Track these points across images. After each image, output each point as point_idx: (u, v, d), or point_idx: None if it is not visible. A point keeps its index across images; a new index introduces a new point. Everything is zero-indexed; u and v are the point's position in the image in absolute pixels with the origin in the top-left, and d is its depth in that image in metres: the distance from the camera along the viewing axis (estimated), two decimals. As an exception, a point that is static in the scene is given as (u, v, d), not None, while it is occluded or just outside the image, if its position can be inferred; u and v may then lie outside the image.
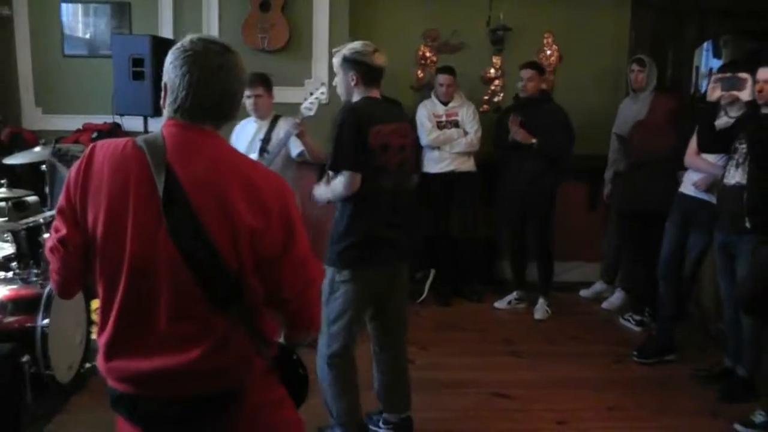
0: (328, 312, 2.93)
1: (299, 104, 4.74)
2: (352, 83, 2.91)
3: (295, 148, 3.91)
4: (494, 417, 3.49)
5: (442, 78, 5.09)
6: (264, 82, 3.97)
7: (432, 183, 5.11)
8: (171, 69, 1.56)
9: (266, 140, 3.94)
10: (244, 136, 4.02)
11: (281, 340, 1.74)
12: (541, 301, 5.02)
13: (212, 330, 1.54)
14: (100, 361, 1.61)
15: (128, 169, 1.52)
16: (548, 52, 5.55)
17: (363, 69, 2.89)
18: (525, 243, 5.12)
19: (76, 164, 1.59)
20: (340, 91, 3.00)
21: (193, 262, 1.49)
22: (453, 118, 5.09)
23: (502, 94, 5.61)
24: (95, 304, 4.05)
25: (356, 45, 2.94)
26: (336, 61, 2.96)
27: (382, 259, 2.97)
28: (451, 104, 5.12)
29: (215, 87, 1.56)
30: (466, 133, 5.07)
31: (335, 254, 2.92)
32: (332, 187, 2.90)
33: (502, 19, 5.45)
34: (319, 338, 3.00)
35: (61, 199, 1.60)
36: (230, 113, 1.62)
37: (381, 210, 2.92)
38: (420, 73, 5.55)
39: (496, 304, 5.19)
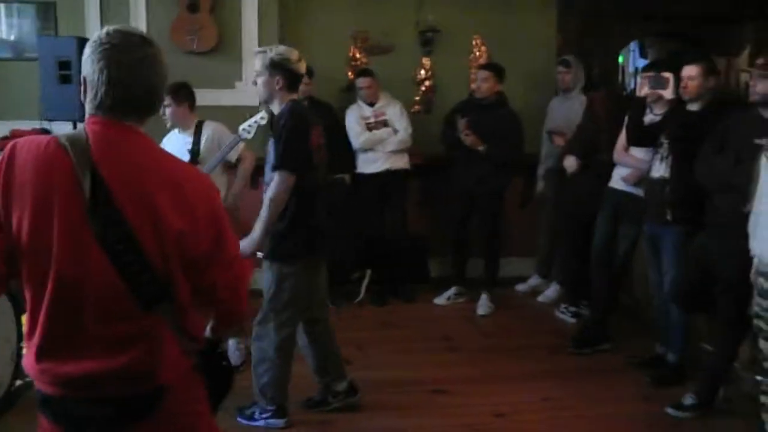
0: (275, 303, 3.16)
1: (230, 107, 4.75)
2: (277, 87, 3.02)
3: (233, 156, 3.91)
4: (433, 413, 3.52)
5: (362, 81, 5.11)
6: (172, 93, 3.87)
7: (366, 184, 5.14)
8: (89, 63, 1.51)
9: (195, 151, 3.90)
10: (170, 147, 3.92)
11: (206, 334, 1.75)
12: (484, 296, 5.09)
13: (140, 331, 1.53)
14: (28, 363, 1.58)
15: (52, 169, 1.48)
16: (477, 54, 5.64)
17: (288, 75, 3.02)
18: (467, 239, 5.20)
19: None
20: (261, 91, 3.09)
21: (119, 264, 1.47)
22: (381, 118, 5.10)
23: (435, 95, 5.68)
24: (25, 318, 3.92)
25: (282, 50, 3.05)
26: (260, 62, 3.03)
27: (322, 248, 3.29)
28: (377, 105, 5.13)
29: (136, 82, 1.51)
30: (396, 131, 5.10)
31: (283, 249, 3.10)
32: (268, 200, 3.03)
33: (431, 20, 5.52)
34: (258, 328, 3.23)
35: None
36: (152, 108, 1.60)
37: (318, 204, 3.17)
38: (350, 75, 5.54)
39: (436, 300, 5.25)
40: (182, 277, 1.55)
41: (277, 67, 2.99)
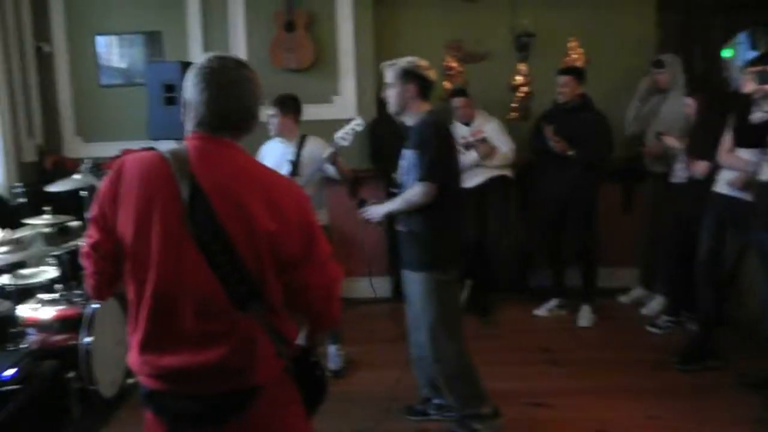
0: (441, 312, 3.11)
1: (328, 121, 4.86)
2: (410, 95, 3.02)
3: (330, 169, 3.98)
4: (532, 427, 3.45)
5: (457, 101, 5.12)
6: (279, 103, 4.02)
7: (467, 195, 5.12)
8: (190, 86, 1.68)
9: (295, 162, 3.98)
10: (271, 155, 4.07)
11: (300, 341, 1.81)
12: (585, 307, 4.96)
13: (234, 330, 1.62)
14: (131, 358, 1.71)
15: (154, 178, 1.63)
16: (574, 56, 5.52)
17: (421, 82, 3.03)
18: (562, 249, 5.08)
19: (107, 176, 1.70)
20: (393, 103, 3.09)
21: (214, 263, 1.58)
22: (480, 136, 5.05)
23: (532, 101, 5.60)
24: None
25: (412, 58, 3.06)
26: (391, 74, 3.05)
27: (461, 255, 3.28)
28: (474, 124, 5.12)
29: (230, 100, 1.67)
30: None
31: (437, 258, 3.09)
32: (406, 198, 3.05)
33: (525, 25, 5.46)
34: (432, 348, 3.17)
35: (93, 208, 1.71)
36: (246, 126, 1.72)
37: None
38: (448, 85, 5.57)
39: (536, 312, 5.16)
40: (274, 279, 1.64)
41: (409, 74, 3.00)
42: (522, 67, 5.57)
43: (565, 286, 5.17)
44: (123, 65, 5.69)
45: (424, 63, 3.05)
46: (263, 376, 1.67)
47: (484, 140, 5.04)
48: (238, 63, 1.70)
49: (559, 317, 5.08)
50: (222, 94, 1.65)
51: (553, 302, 5.17)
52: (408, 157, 3.09)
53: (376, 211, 3.18)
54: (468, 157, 4.93)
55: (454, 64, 5.59)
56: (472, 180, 5.05)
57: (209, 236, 1.57)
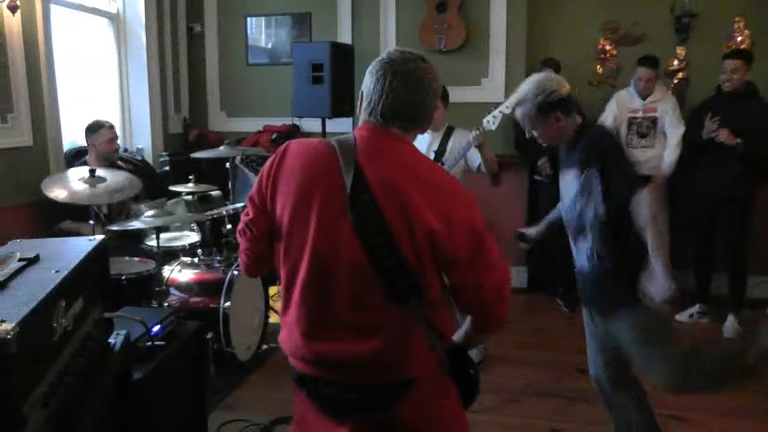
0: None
1: (476, 103, 4.76)
2: (556, 127, 2.48)
3: (475, 160, 3.85)
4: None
5: (641, 72, 4.75)
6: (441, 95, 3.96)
7: None
8: (369, 77, 1.66)
9: (440, 152, 3.88)
10: (418, 147, 4.00)
11: (456, 338, 1.76)
12: (731, 318, 4.56)
13: (390, 322, 1.60)
14: (283, 339, 1.72)
15: (318, 165, 1.62)
16: (739, 39, 5.08)
17: (561, 106, 2.47)
18: (711, 252, 4.70)
19: (271, 158, 1.71)
20: (545, 140, 2.58)
21: (375, 256, 1.55)
22: (651, 114, 4.75)
23: (688, 88, 5.22)
24: (274, 290, 4.29)
25: (539, 84, 2.50)
26: (526, 111, 2.51)
27: None
28: (649, 99, 4.79)
29: (405, 90, 1.62)
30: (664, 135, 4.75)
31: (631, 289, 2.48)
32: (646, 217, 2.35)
33: (687, 4, 5.09)
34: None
35: (253, 188, 1.74)
36: (419, 119, 1.69)
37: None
38: (599, 68, 5.33)
39: (677, 317, 4.80)
40: (434, 275, 1.60)
41: (544, 108, 2.45)
42: (680, 50, 5.20)
43: (710, 293, 4.77)
44: (269, 45, 5.83)
45: (553, 83, 2.49)
46: (417, 370, 1.64)
47: (654, 121, 4.74)
48: (418, 56, 1.66)
49: (701, 325, 4.70)
50: (396, 83, 1.61)
51: (695, 308, 4.78)
52: (572, 181, 2.53)
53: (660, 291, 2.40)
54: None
55: (608, 47, 5.33)
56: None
57: (370, 228, 1.54)
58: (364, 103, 1.67)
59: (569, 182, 2.55)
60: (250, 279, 3.76)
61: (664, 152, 4.76)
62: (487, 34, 5.30)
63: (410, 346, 1.61)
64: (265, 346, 3.92)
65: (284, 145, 1.71)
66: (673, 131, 4.73)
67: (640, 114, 4.78)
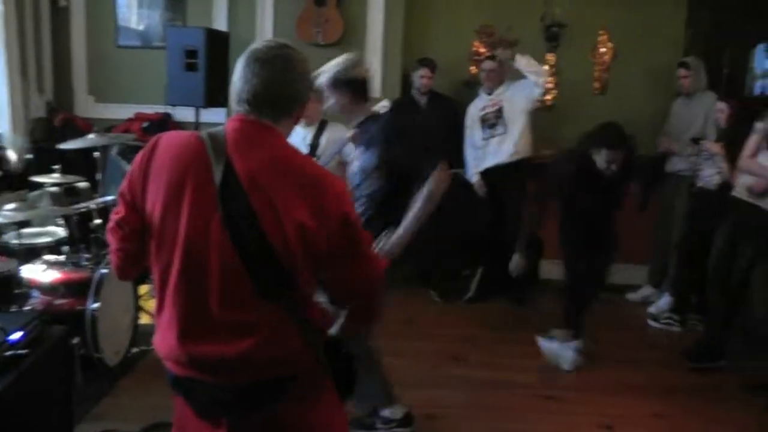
0: None
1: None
2: (343, 102, 2.94)
3: (351, 154, 3.88)
4: (541, 419, 3.44)
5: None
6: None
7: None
8: (237, 68, 1.64)
9: (314, 145, 3.89)
10: (293, 141, 3.98)
11: (333, 331, 1.77)
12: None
13: (264, 320, 1.57)
14: (157, 342, 1.66)
15: (189, 159, 1.58)
16: (602, 50, 5.44)
17: (354, 87, 2.92)
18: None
19: (141, 152, 1.66)
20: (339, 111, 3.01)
21: (244, 251, 1.52)
22: (496, 107, 4.95)
23: (555, 92, 5.52)
24: (144, 289, 4.14)
25: (344, 61, 2.92)
26: (324, 82, 2.91)
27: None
28: (496, 92, 5.00)
29: (269, 73, 1.60)
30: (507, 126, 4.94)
31: None
32: (427, 194, 2.80)
33: (557, 14, 5.37)
34: None
35: (123, 184, 1.67)
36: (288, 106, 1.66)
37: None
38: (473, 69, 5.49)
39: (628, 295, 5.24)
40: (307, 269, 1.58)
41: (339, 83, 2.90)
42: (550, 57, 5.48)
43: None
44: (141, 27, 5.58)
45: (355, 67, 2.92)
46: (294, 366, 1.63)
47: (500, 111, 4.95)
48: (284, 44, 1.66)
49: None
50: (259, 69, 1.60)
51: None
52: (359, 156, 2.99)
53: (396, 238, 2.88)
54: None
55: (482, 50, 5.49)
56: (483, 162, 5.00)
57: (240, 223, 1.52)
58: (233, 94, 1.65)
59: (357, 157, 3.00)
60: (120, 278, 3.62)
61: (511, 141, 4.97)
62: (365, 30, 5.33)
63: (285, 342, 1.59)
64: (135, 350, 3.76)
65: (154, 139, 1.66)
66: (515, 132, 4.95)
67: (487, 110, 4.98)
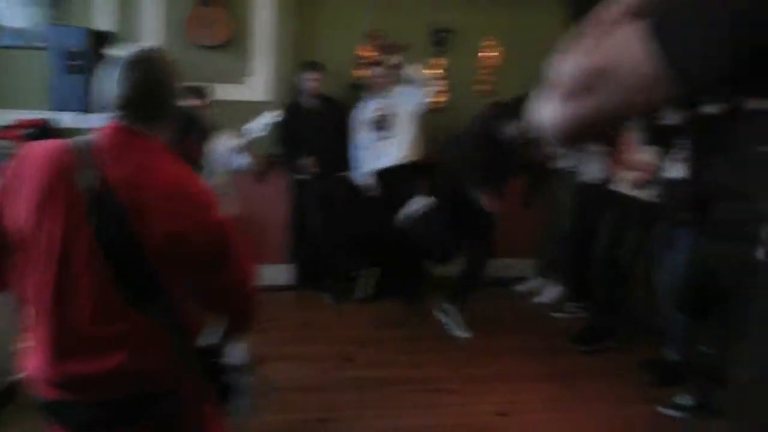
0: None
1: (240, 102, 4.72)
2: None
3: (239, 162, 3.85)
4: (435, 412, 3.51)
5: (376, 69, 5.07)
6: (197, 92, 3.88)
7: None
8: (107, 74, 1.63)
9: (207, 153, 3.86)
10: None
11: (210, 341, 1.76)
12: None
13: (136, 332, 1.55)
14: (27, 365, 1.61)
15: (56, 169, 1.54)
16: (490, 54, 5.61)
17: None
18: None
19: (7, 165, 1.60)
20: None
21: (114, 260, 1.50)
22: (386, 111, 5.02)
23: (446, 95, 5.63)
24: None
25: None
26: None
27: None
28: (386, 96, 5.05)
29: (137, 80, 1.60)
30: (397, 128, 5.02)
31: None
32: None
33: (444, 20, 5.51)
34: None
35: None
36: (158, 112, 1.64)
37: None
38: (362, 72, 5.49)
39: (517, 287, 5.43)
40: (178, 278, 1.57)
41: None
42: (438, 61, 5.61)
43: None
44: (22, 25, 5.29)
45: None
46: (169, 377, 1.62)
47: (387, 117, 5.02)
48: (151, 49, 1.66)
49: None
50: (127, 73, 1.59)
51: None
52: None
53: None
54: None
55: (370, 54, 5.52)
56: (374, 163, 5.07)
57: (110, 233, 1.50)
58: (104, 100, 1.63)
59: None
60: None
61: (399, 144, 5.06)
62: (254, 31, 5.24)
63: (159, 354, 1.58)
64: (13, 378, 3.37)
65: (21, 150, 1.62)
66: (403, 136, 5.05)
67: (373, 114, 5.04)
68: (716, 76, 0.71)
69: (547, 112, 0.80)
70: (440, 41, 5.56)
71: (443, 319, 4.62)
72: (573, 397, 3.72)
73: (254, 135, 3.69)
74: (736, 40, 0.68)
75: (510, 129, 4.18)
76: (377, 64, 5.11)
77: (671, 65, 0.70)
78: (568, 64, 0.78)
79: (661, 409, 3.55)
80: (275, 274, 5.25)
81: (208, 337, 1.73)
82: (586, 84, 0.76)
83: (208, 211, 1.60)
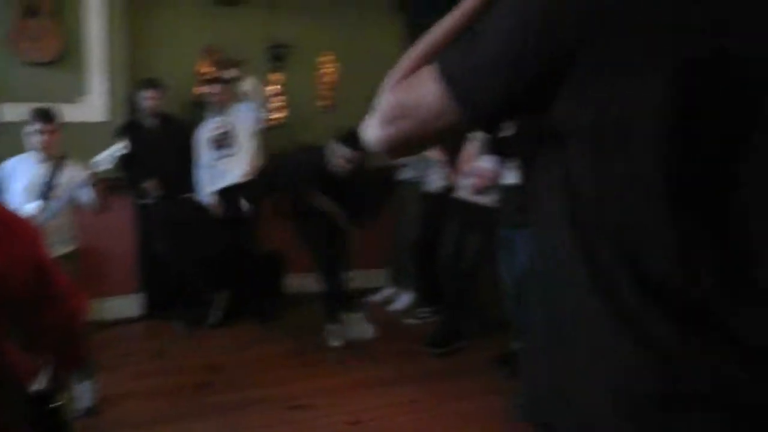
0: None
1: (74, 123, 4.45)
2: None
3: (83, 196, 3.63)
4: (288, 430, 3.47)
5: (213, 87, 4.98)
6: (48, 117, 3.61)
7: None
8: None
9: (51, 185, 3.58)
10: (22, 175, 3.63)
11: (41, 385, 1.63)
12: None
13: None
14: None
15: None
16: (327, 69, 5.69)
17: None
18: None
19: None
20: None
21: None
22: (225, 128, 4.94)
23: (285, 110, 5.65)
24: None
25: None
26: None
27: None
28: (223, 116, 4.98)
29: None
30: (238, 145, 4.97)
31: None
32: None
33: (281, 36, 5.51)
34: None
35: None
36: None
37: None
38: (201, 90, 5.34)
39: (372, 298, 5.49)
40: (2, 318, 1.46)
41: None
42: (276, 77, 5.60)
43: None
44: None
45: None
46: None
47: (228, 134, 4.96)
48: None
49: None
50: None
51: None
52: None
53: None
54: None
55: (208, 70, 5.43)
56: (216, 182, 4.98)
57: None
58: None
59: None
60: None
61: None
62: (87, 45, 4.89)
63: None
64: None
65: None
66: (245, 151, 5.00)
67: (215, 132, 4.96)
68: (493, 107, 0.92)
69: (371, 132, 1.00)
70: (278, 56, 5.56)
71: (334, 342, 4.64)
72: (429, 399, 3.78)
73: (102, 168, 3.49)
74: (507, 78, 0.88)
75: (339, 159, 4.36)
76: (216, 80, 5.02)
77: (457, 100, 0.91)
78: (383, 97, 0.99)
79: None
80: (125, 306, 5.04)
81: (41, 382, 1.62)
82: (395, 115, 0.97)
83: (34, 247, 1.50)
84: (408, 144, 0.99)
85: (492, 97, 0.90)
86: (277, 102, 5.59)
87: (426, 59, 0.96)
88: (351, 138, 4.30)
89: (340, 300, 4.76)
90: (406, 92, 0.95)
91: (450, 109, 0.92)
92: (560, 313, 0.94)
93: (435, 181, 5.00)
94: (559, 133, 0.90)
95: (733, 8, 0.83)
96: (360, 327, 4.73)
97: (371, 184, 4.95)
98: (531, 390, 1.02)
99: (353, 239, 4.81)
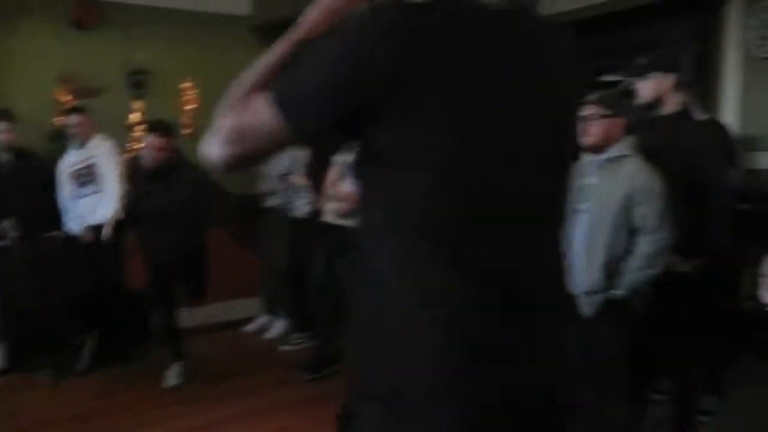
0: None
1: None
2: None
3: None
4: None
5: (72, 118, 4.65)
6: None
7: (75, 241, 4.74)
8: None
9: None
10: None
11: None
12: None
13: None
14: None
15: None
16: (188, 96, 5.59)
17: None
18: None
19: None
20: None
21: None
22: (87, 163, 4.65)
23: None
24: None
25: None
26: None
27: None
28: (87, 146, 4.68)
29: None
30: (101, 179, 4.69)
31: None
32: None
33: (139, 62, 5.36)
34: None
35: None
36: None
37: None
38: (59, 120, 5.00)
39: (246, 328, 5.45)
40: None
41: None
42: (138, 104, 5.43)
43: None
44: None
45: None
46: None
47: (91, 168, 4.72)
48: None
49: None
50: None
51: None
52: None
53: None
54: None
55: (66, 98, 5.14)
56: (84, 220, 4.70)
57: None
58: None
59: None
60: None
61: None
62: None
63: None
64: None
65: None
66: (110, 179, 4.72)
67: (77, 167, 4.68)
68: (320, 129, 1.14)
69: (213, 151, 1.15)
70: (137, 83, 5.38)
71: (172, 380, 4.50)
72: (303, 424, 3.81)
73: None
74: (332, 105, 1.09)
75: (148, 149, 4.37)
76: (74, 110, 4.73)
77: (287, 122, 1.10)
78: (223, 120, 1.14)
79: None
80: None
81: None
82: (235, 137, 1.13)
83: None
84: (246, 161, 1.16)
85: (316, 119, 1.10)
86: (138, 131, 5.38)
87: (257, 86, 1.14)
88: (159, 126, 4.33)
89: (174, 337, 4.63)
90: (244, 116, 1.12)
91: (282, 130, 1.10)
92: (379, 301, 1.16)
93: (302, 206, 5.07)
94: (376, 154, 1.11)
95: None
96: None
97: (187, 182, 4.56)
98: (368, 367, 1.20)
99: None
